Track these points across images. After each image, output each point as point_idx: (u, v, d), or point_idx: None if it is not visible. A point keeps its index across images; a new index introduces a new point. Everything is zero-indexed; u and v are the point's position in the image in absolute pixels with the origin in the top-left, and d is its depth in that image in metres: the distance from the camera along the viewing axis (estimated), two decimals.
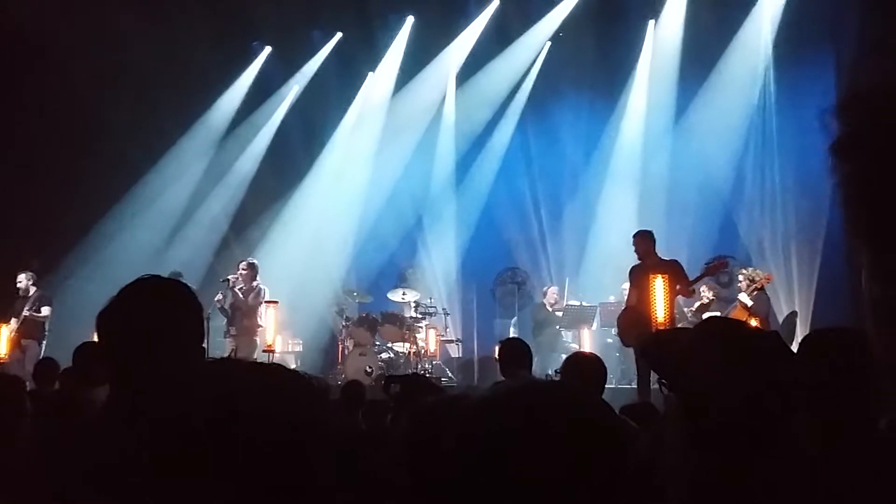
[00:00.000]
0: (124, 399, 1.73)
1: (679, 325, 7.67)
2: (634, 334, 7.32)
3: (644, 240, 7.67)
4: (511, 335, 10.99)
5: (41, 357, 7.11)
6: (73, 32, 10.53)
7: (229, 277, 9.74)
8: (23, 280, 9.69)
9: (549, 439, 1.03)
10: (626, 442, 1.08)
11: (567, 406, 1.07)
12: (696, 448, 1.49)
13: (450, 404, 1.55)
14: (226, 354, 9.46)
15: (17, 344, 9.24)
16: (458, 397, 1.60)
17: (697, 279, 8.06)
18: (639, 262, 7.72)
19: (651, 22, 11.71)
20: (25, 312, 9.41)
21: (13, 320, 9.36)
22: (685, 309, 9.22)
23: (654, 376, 6.28)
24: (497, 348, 10.85)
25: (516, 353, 4.36)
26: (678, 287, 7.46)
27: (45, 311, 9.55)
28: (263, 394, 1.19)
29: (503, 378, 4.40)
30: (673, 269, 7.52)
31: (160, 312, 1.75)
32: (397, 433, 1.64)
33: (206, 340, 1.97)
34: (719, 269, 8.14)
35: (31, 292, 9.65)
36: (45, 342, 9.50)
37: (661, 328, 7.06)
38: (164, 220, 12.34)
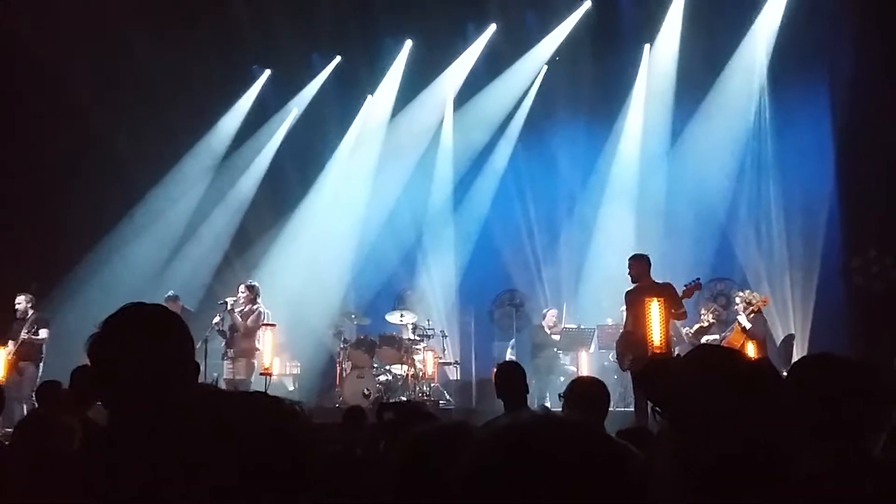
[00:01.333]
0: (118, 425, 1.75)
1: (677, 348, 7.67)
2: (631, 358, 7.32)
3: (639, 263, 7.67)
4: (509, 357, 11.02)
5: (43, 379, 7.06)
6: (79, 57, 10.63)
7: (227, 300, 9.73)
8: (21, 302, 9.68)
9: (551, 477, 1.03)
10: (631, 479, 1.08)
11: (569, 443, 1.06)
12: (687, 475, 1.50)
13: (443, 434, 1.57)
14: (224, 376, 9.49)
15: (14, 366, 9.22)
16: (452, 427, 1.61)
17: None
18: (633, 285, 7.74)
19: (646, 46, 11.81)
20: (23, 335, 9.40)
21: (10, 343, 9.35)
22: (684, 331, 9.21)
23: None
24: (494, 371, 10.89)
25: (512, 377, 4.37)
26: (672, 311, 7.47)
27: (43, 333, 9.54)
28: (246, 425, 1.23)
29: (500, 399, 4.41)
30: (668, 293, 7.52)
31: (144, 340, 1.77)
32: (390, 461, 1.65)
33: (201, 363, 1.98)
34: (693, 291, 8.07)
35: (29, 314, 9.64)
36: (42, 364, 9.48)
37: (657, 352, 7.07)
38: (163, 242, 12.37)
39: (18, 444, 3.74)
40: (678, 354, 7.78)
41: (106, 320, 1.82)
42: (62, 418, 4.07)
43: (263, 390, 8.54)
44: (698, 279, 8.28)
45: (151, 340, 1.77)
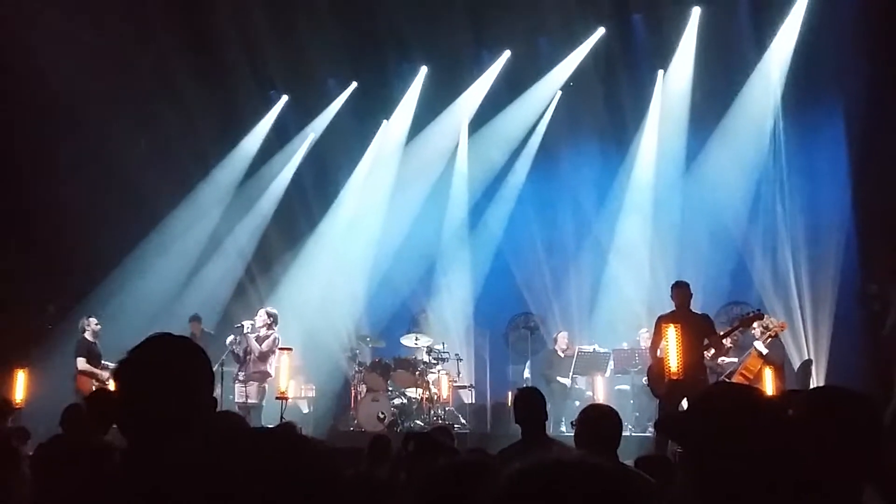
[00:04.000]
0: (140, 452, 1.80)
1: (702, 374, 7.61)
2: (664, 385, 7.30)
3: (683, 290, 7.73)
4: (524, 381, 11.00)
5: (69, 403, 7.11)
6: (99, 82, 10.80)
7: (245, 323, 9.82)
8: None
9: None
10: None
11: (588, 485, 1.10)
12: None
13: (464, 471, 1.61)
14: (235, 400, 9.54)
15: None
16: (472, 464, 1.65)
17: (732, 330, 8.08)
18: (669, 311, 7.75)
19: (660, 71, 11.86)
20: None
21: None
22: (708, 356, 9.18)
23: None
24: (512, 397, 10.87)
25: (531, 404, 4.34)
26: (712, 339, 7.56)
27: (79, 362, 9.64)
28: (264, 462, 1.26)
29: (517, 425, 4.38)
30: (707, 323, 7.65)
31: (172, 370, 1.82)
32: (411, 493, 1.69)
33: (217, 386, 2.03)
34: (754, 321, 8.22)
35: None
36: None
37: (673, 378, 7.05)
38: (181, 265, 12.49)
39: (41, 466, 3.79)
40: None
41: (133, 349, 1.87)
42: (88, 441, 4.11)
43: (279, 414, 8.60)
44: (758, 310, 8.39)
45: (177, 373, 1.82)
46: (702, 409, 1.57)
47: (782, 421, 1.57)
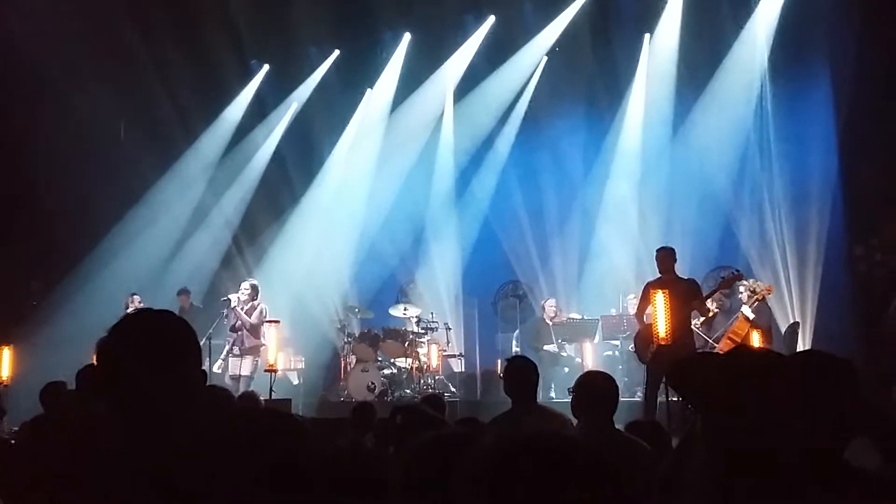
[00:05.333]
0: (123, 426, 1.76)
1: (688, 339, 7.64)
2: (651, 351, 7.33)
3: (668, 255, 7.73)
4: (514, 349, 11.03)
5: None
6: (75, 53, 10.58)
7: (230, 296, 9.84)
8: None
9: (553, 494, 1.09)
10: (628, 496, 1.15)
11: (570, 461, 1.12)
12: (726, 474, 1.50)
13: (449, 443, 1.60)
14: (229, 372, 9.61)
15: None
16: (457, 437, 1.63)
17: (713, 292, 8.12)
18: (657, 277, 7.76)
19: (647, 35, 11.75)
20: None
21: None
22: (693, 323, 9.23)
23: (662, 391, 6.25)
24: (502, 367, 10.90)
25: (522, 374, 4.32)
26: (694, 304, 7.55)
27: None
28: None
29: (507, 395, 4.37)
30: (693, 287, 7.64)
31: (158, 346, 1.77)
32: (398, 466, 1.68)
33: (205, 359, 1.99)
34: (734, 281, 8.26)
35: None
36: None
37: (661, 343, 7.08)
38: (166, 238, 12.38)
39: (25, 444, 3.75)
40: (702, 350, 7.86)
41: (116, 325, 1.81)
42: (69, 418, 4.07)
43: (269, 386, 8.60)
44: (738, 270, 8.41)
45: (162, 348, 1.77)
46: (726, 371, 1.55)
47: (810, 378, 1.56)
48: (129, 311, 9.64)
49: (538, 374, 4.31)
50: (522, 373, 4.28)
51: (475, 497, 1.13)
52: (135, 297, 10.37)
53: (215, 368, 9.77)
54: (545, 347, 10.52)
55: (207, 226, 12.71)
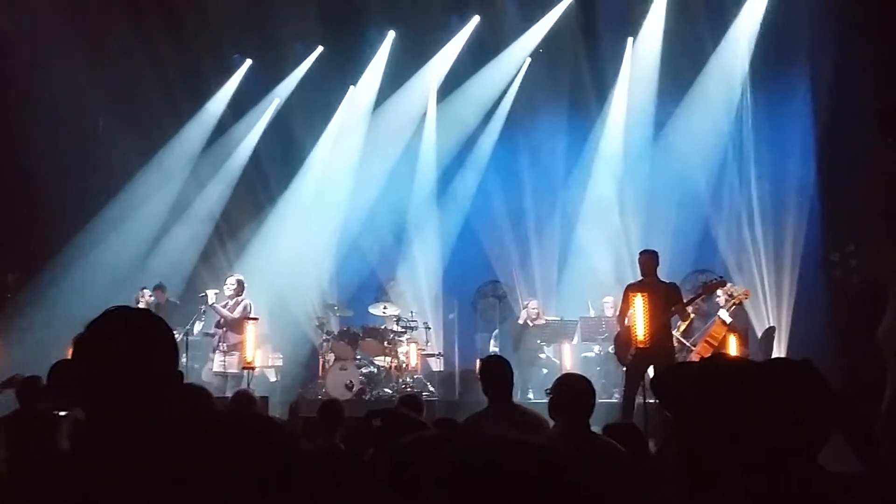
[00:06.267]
0: (100, 426, 1.74)
1: (667, 343, 7.68)
2: (633, 353, 7.37)
3: (651, 258, 7.75)
4: (492, 349, 11.05)
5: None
6: (55, 44, 10.47)
7: (208, 292, 9.77)
8: None
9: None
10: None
11: (540, 470, 1.12)
12: (692, 478, 1.51)
13: (427, 446, 1.60)
14: (214, 369, 9.54)
15: None
16: (435, 439, 1.63)
17: (695, 298, 8.17)
18: (637, 280, 7.79)
19: (630, 39, 11.82)
20: None
21: None
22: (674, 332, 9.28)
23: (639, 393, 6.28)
24: (478, 366, 10.90)
25: (497, 373, 4.35)
26: (675, 308, 7.57)
27: None
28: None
29: (485, 396, 4.39)
30: (673, 291, 7.67)
31: (134, 345, 1.75)
32: (378, 470, 1.67)
33: (182, 356, 1.97)
34: (717, 287, 8.30)
35: None
36: None
37: (640, 347, 7.12)
38: (144, 232, 12.25)
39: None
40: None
41: (91, 323, 1.79)
42: (44, 414, 4.03)
43: (247, 383, 8.55)
44: (721, 277, 8.46)
45: (138, 348, 1.75)
46: (703, 377, 1.57)
47: (787, 387, 1.57)
48: (138, 304, 9.57)
49: (513, 373, 4.34)
50: (498, 372, 4.31)
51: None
52: (145, 290, 10.27)
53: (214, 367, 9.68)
54: (524, 347, 10.52)
55: (187, 220, 12.59)
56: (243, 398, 5.24)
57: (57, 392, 4.44)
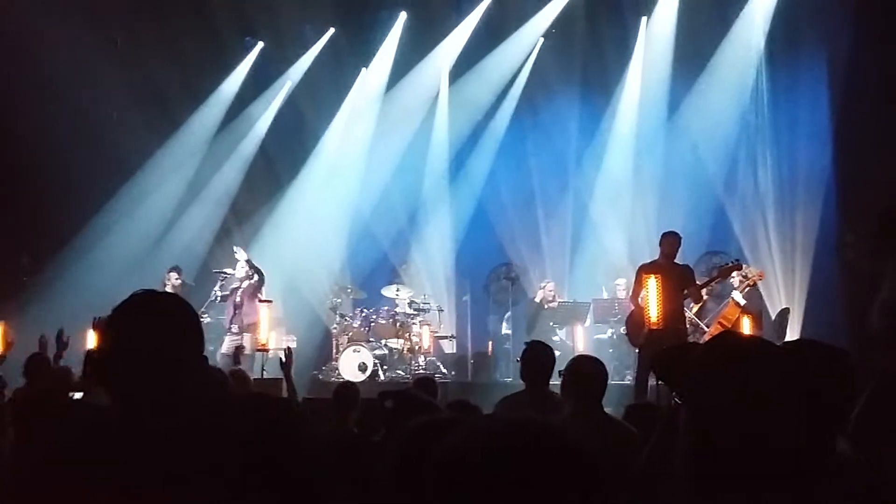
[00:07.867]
0: (126, 411, 1.75)
1: (681, 325, 7.65)
2: (643, 335, 7.35)
3: (674, 240, 7.67)
4: (504, 332, 11.07)
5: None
6: (65, 29, 10.47)
7: (226, 270, 9.82)
8: None
9: (534, 482, 1.10)
10: (608, 488, 1.15)
11: (552, 451, 1.12)
12: (702, 464, 1.47)
13: (441, 428, 1.59)
14: (222, 351, 9.57)
15: None
16: (448, 422, 1.63)
17: (711, 280, 8.13)
18: (651, 261, 7.75)
19: (644, 18, 11.70)
20: None
21: None
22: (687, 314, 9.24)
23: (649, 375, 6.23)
24: (492, 349, 10.94)
25: (541, 362, 4.34)
26: (689, 290, 7.54)
27: None
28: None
29: (523, 381, 4.41)
30: (687, 274, 7.63)
31: (160, 328, 1.76)
32: (390, 451, 1.67)
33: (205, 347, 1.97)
34: (733, 270, 8.26)
35: None
36: None
37: (652, 328, 7.10)
38: (158, 216, 12.30)
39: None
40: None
41: (118, 307, 1.80)
42: (55, 396, 4.07)
43: (261, 366, 8.59)
44: (737, 260, 8.40)
45: (166, 331, 1.76)
46: (710, 358, 1.52)
47: (799, 368, 1.52)
48: (165, 288, 9.61)
49: (555, 361, 4.34)
50: (541, 361, 4.31)
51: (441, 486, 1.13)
52: (171, 273, 10.27)
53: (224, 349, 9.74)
54: (537, 329, 10.52)
55: (201, 203, 12.62)
56: (237, 378, 5.20)
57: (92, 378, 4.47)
